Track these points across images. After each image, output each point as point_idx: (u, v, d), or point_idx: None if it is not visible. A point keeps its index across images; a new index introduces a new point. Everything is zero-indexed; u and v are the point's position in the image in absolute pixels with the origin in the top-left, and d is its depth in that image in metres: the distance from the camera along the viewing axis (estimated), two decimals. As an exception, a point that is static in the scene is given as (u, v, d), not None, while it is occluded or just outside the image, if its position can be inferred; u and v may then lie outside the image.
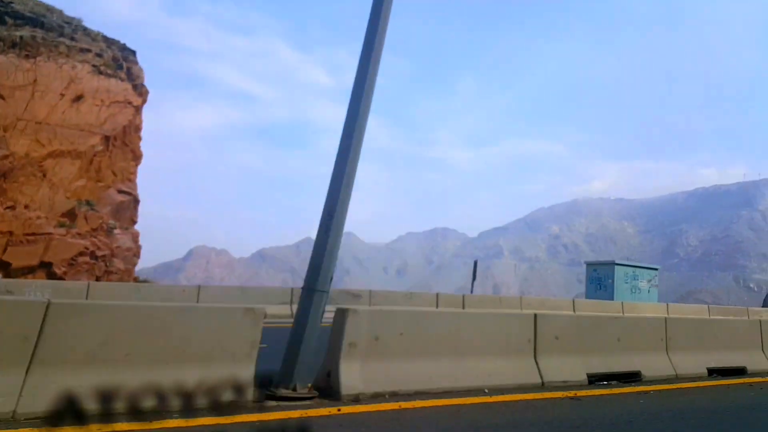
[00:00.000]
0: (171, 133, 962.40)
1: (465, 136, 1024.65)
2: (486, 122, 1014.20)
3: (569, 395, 6.13)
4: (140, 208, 27.22)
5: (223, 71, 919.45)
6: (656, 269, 37.51)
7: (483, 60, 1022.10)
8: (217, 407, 4.51)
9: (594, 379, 6.90)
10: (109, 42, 26.85)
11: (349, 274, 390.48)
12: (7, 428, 3.67)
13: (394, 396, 5.35)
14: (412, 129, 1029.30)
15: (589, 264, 36.35)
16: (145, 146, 27.65)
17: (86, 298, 13.64)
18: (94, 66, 24.46)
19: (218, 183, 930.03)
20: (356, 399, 5.15)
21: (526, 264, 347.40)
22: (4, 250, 20.47)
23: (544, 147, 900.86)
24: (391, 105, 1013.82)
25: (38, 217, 21.60)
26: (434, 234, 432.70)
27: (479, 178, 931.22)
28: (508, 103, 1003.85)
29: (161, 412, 4.27)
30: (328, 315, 5.63)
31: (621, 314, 20.62)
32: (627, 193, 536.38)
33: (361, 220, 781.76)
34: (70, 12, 27.43)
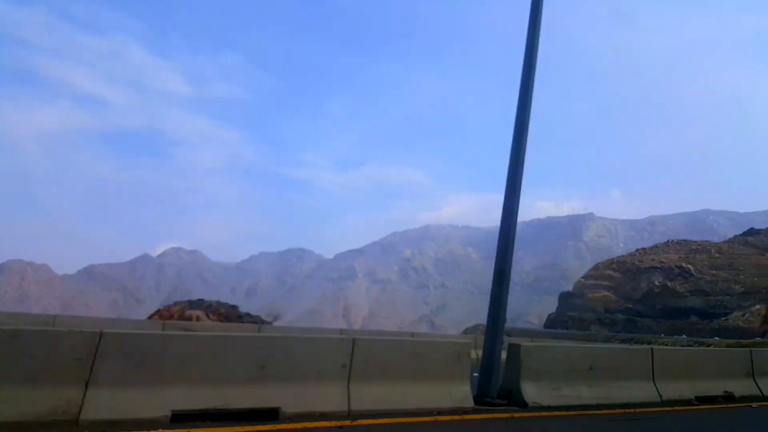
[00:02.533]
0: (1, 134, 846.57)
1: (332, 158, 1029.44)
2: (354, 146, 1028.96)
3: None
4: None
5: (69, 70, 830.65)
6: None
7: (354, 85, 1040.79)
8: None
9: None
10: None
11: (190, 295, 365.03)
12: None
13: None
14: (280, 147, 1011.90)
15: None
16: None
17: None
18: None
19: (56, 191, 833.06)
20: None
21: (378, 286, 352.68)
22: None
23: (407, 174, 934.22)
24: (258, 120, 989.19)
25: None
26: (289, 254, 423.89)
27: (344, 200, 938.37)
28: (376, 129, 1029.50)
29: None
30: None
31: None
32: (473, 221, 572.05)
33: (212, 238, 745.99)
34: None
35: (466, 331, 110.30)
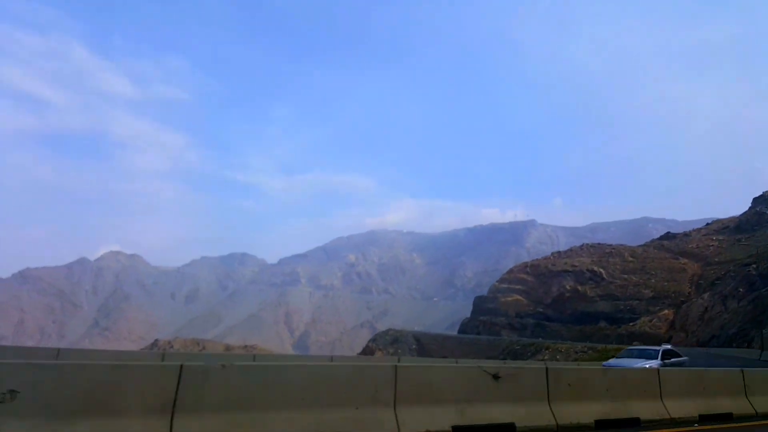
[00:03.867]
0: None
1: (278, 164, 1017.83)
2: (300, 152, 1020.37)
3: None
4: None
5: (7, 69, 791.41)
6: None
7: (300, 91, 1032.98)
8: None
9: None
10: None
11: (128, 300, 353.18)
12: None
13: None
14: (224, 151, 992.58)
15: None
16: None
17: None
18: None
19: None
20: None
21: (321, 291, 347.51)
22: None
23: (353, 180, 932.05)
24: (203, 124, 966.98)
25: None
26: (231, 259, 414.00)
27: (290, 205, 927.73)
28: (322, 135, 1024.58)
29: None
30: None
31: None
32: (418, 227, 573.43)
33: (152, 242, 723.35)
34: None
35: (375, 338, 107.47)
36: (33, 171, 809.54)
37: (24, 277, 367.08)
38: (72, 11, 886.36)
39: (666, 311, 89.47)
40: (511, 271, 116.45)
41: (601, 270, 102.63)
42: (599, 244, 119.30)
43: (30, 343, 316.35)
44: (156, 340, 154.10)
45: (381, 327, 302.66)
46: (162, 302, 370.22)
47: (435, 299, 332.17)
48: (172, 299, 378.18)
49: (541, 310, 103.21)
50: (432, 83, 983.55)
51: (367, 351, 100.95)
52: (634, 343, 76.34)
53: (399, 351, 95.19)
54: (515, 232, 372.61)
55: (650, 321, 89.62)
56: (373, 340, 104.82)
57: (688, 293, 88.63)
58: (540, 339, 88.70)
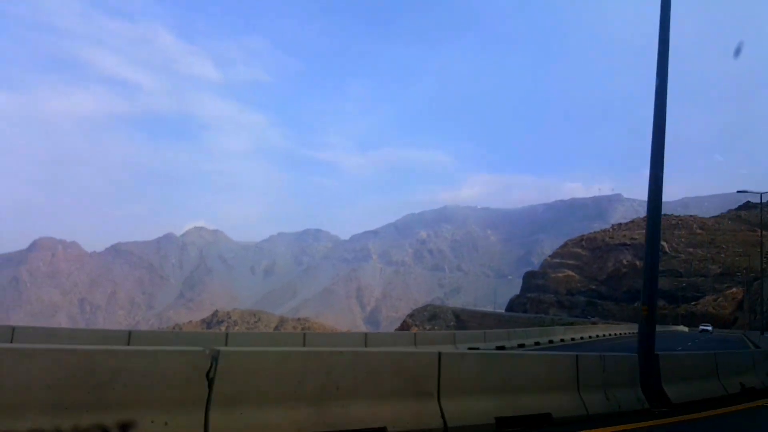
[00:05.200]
0: (42, 119, 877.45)
1: (354, 141, 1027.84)
2: (375, 128, 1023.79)
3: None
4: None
5: (102, 56, 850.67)
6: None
7: (376, 66, 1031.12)
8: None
9: None
10: None
11: (210, 274, 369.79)
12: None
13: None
14: (302, 130, 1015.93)
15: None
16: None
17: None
18: None
19: (89, 172, 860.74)
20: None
21: (392, 268, 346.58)
22: None
23: (430, 155, 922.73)
24: (281, 103, 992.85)
25: None
26: (306, 235, 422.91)
27: (363, 182, 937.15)
28: (398, 111, 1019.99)
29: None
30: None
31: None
32: (494, 202, 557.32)
33: (234, 218, 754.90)
34: None
35: (413, 314, 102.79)
36: (125, 152, 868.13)
37: (117, 251, 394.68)
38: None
39: (734, 290, 78.27)
40: (565, 245, 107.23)
41: (663, 243, 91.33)
42: (665, 215, 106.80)
43: (120, 312, 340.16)
44: (216, 311, 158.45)
45: (453, 304, 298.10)
46: (242, 275, 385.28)
47: (509, 277, 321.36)
48: (251, 273, 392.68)
49: (593, 287, 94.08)
50: (510, 52, 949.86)
51: (404, 327, 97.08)
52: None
53: (435, 327, 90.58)
54: (599, 207, 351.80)
55: (715, 300, 78.85)
56: (411, 315, 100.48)
57: (763, 270, 76.68)
58: (588, 318, 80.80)
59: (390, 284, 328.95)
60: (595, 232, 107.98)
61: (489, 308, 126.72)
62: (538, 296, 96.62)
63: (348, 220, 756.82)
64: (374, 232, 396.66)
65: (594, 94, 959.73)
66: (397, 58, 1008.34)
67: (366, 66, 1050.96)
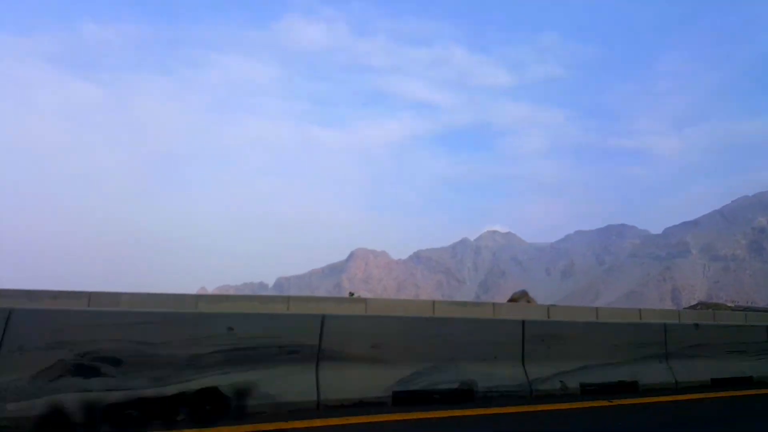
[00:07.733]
0: (361, 148, 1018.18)
1: (669, 121, 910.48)
2: (694, 102, 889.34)
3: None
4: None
5: (404, 84, 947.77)
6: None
7: (691, 33, 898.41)
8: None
9: None
10: None
11: (504, 276, 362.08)
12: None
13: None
14: (606, 119, 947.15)
15: None
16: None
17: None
18: None
19: (398, 189, 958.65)
20: None
21: (719, 264, 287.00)
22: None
23: (760, 125, 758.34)
24: (578, 95, 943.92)
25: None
26: (608, 232, 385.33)
27: (681, 166, 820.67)
28: (724, 78, 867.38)
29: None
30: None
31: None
32: None
33: (526, 220, 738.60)
34: None
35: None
36: (429, 167, 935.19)
37: (418, 257, 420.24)
38: (448, 17, 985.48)
39: None
40: None
41: None
42: None
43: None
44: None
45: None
46: (537, 277, 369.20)
47: None
48: (546, 274, 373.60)
49: None
50: None
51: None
52: None
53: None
54: None
55: None
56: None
57: None
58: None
59: (717, 283, 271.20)
60: None
61: None
62: None
63: (659, 211, 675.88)
64: (693, 223, 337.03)
65: None
66: (717, 21, 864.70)
67: (677, 36, 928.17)
